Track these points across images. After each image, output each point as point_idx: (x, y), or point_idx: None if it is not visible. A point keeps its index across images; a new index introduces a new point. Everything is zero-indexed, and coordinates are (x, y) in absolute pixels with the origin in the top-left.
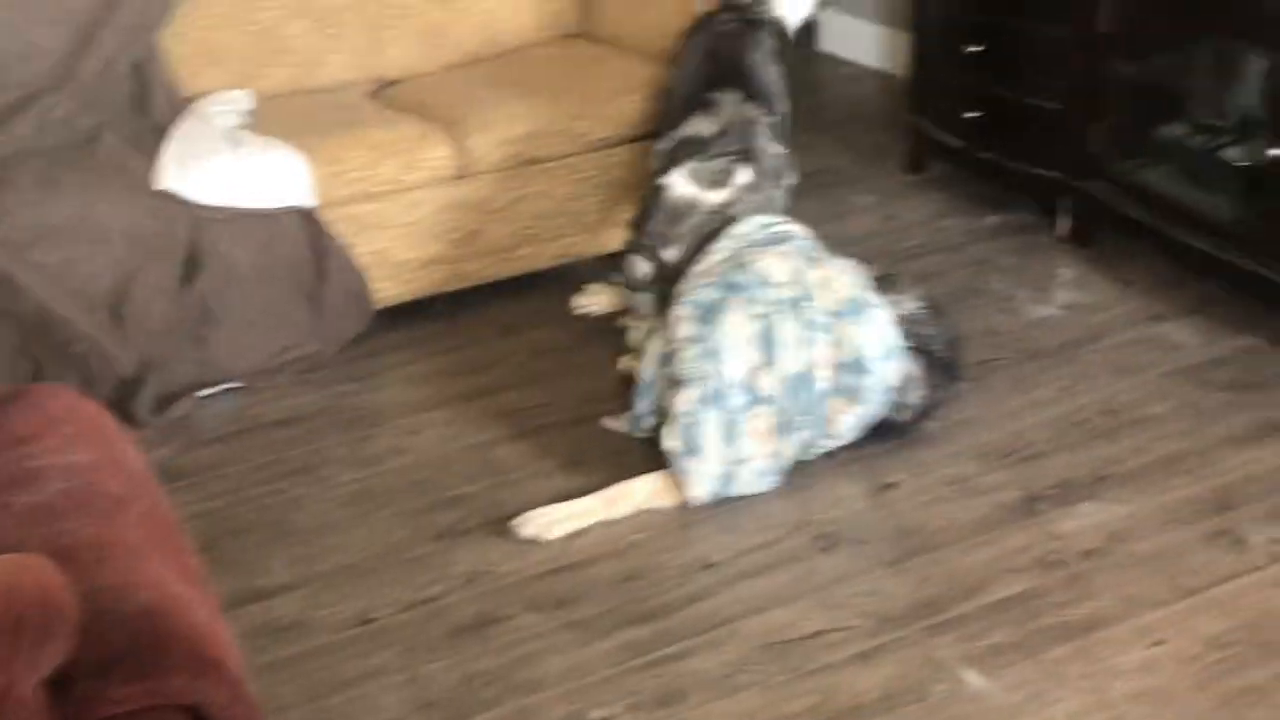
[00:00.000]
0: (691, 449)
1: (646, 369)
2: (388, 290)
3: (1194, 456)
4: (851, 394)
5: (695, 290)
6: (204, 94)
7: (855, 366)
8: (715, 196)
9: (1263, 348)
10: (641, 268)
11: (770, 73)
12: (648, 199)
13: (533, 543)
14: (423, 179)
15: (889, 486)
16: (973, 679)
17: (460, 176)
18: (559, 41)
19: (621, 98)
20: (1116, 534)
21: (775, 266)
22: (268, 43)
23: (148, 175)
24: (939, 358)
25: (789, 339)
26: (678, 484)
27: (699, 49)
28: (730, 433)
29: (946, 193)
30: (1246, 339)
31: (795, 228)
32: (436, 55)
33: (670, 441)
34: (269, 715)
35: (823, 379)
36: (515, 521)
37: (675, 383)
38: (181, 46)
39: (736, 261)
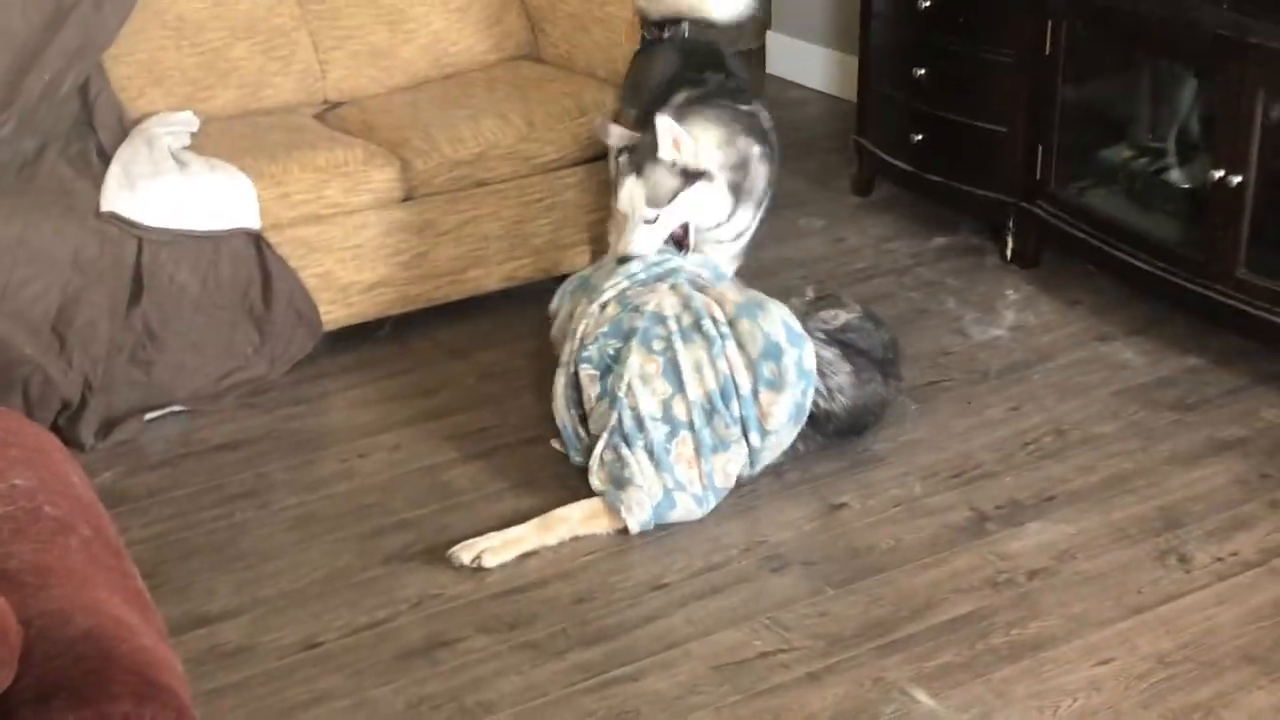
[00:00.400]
0: (620, 484)
1: (558, 410)
2: (334, 313)
3: (1140, 476)
4: (773, 384)
5: (593, 345)
6: (149, 115)
7: (767, 353)
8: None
9: (1208, 367)
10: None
11: (742, 71)
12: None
13: (471, 570)
14: (369, 201)
15: (838, 507)
16: (922, 699)
17: (407, 198)
18: (507, 63)
19: (570, 120)
20: (1064, 553)
21: (666, 301)
22: (214, 64)
23: (92, 197)
24: (876, 359)
25: (691, 364)
26: (613, 512)
27: (670, 50)
28: (660, 463)
29: (894, 214)
30: (1192, 359)
31: (680, 260)
32: (384, 77)
33: (597, 484)
34: None
35: (743, 382)
36: (451, 551)
37: (595, 435)
38: (126, 67)
39: (629, 307)
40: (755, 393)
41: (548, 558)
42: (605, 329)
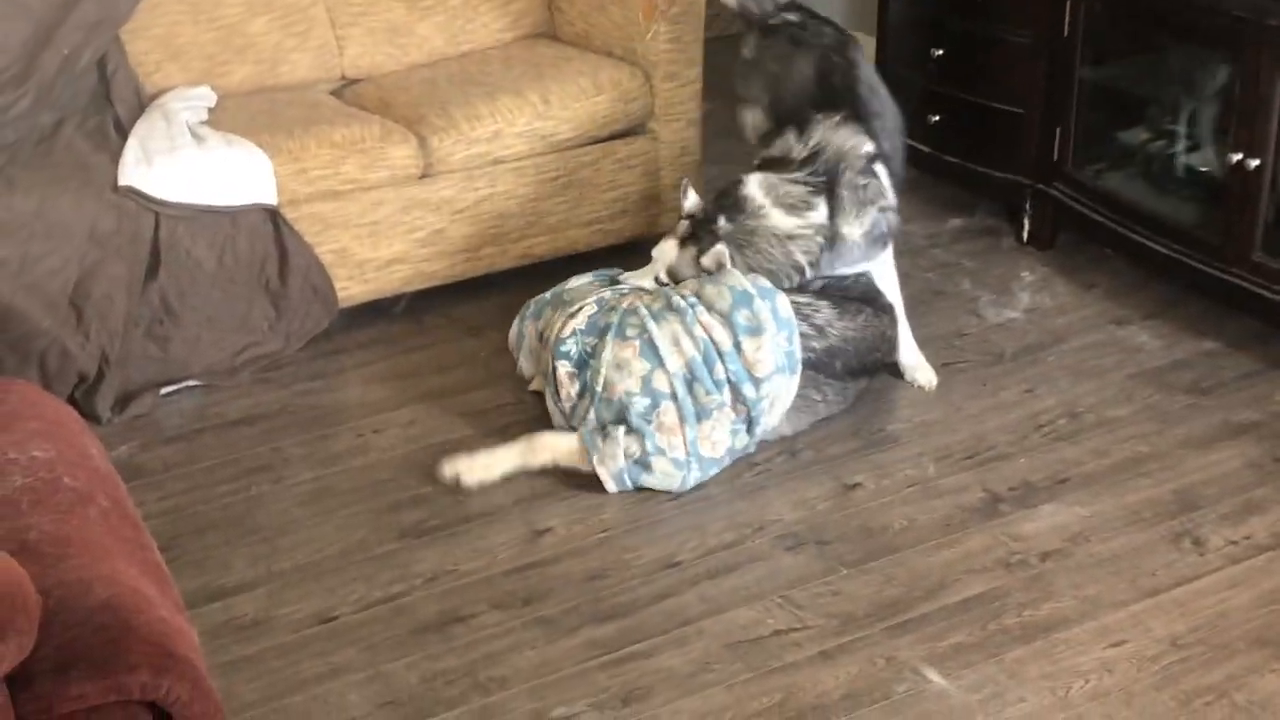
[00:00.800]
0: (598, 449)
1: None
2: (350, 289)
3: (1155, 459)
4: (752, 330)
5: (570, 340)
6: (166, 90)
7: (738, 302)
8: (784, 221)
9: (1224, 351)
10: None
11: (882, 94)
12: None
13: (460, 488)
14: (386, 178)
15: (852, 487)
16: (934, 678)
17: (424, 176)
18: (524, 41)
19: (586, 99)
20: (1077, 535)
21: (638, 301)
22: (230, 39)
23: (109, 171)
24: (855, 295)
25: (669, 337)
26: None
27: (807, 59)
28: (639, 432)
29: (910, 196)
30: (1208, 342)
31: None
32: (400, 54)
33: (584, 428)
34: (230, 713)
35: (723, 339)
36: (441, 464)
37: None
38: (143, 42)
39: (605, 308)
40: (737, 345)
41: (562, 535)
42: (582, 326)
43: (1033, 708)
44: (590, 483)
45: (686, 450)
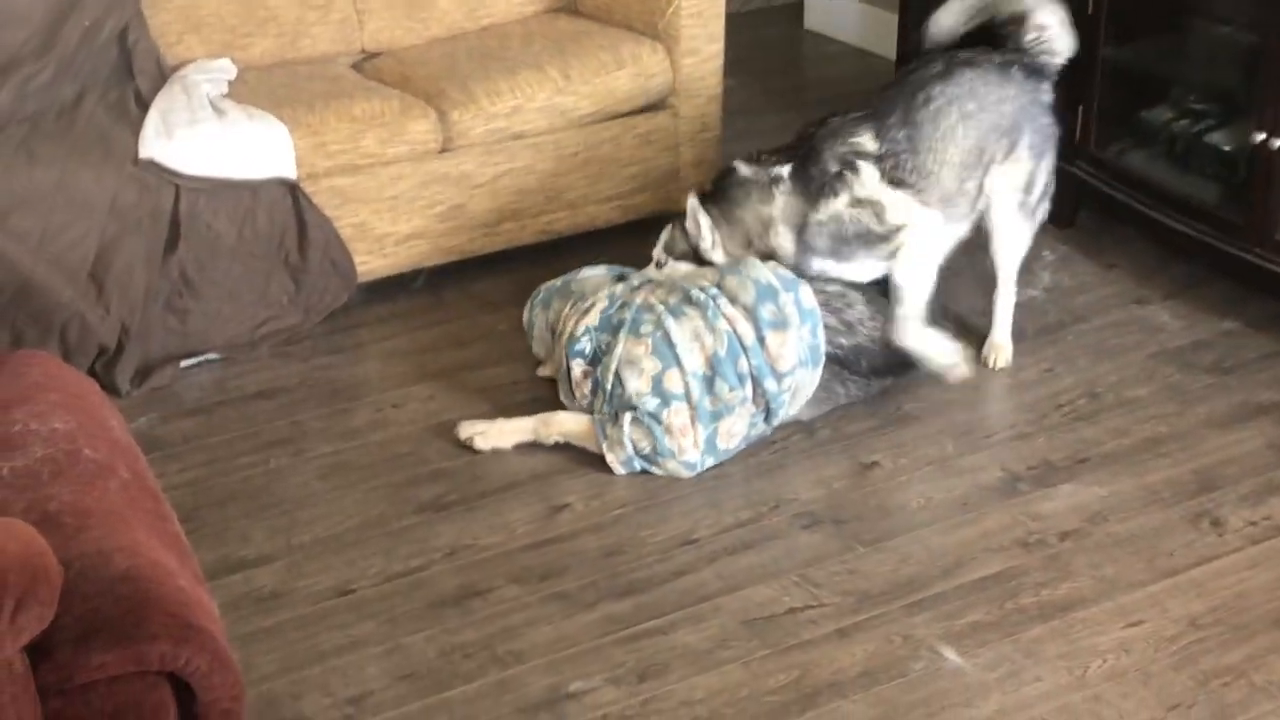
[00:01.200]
0: (606, 437)
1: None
2: (369, 264)
3: (1175, 439)
4: (776, 324)
5: (584, 338)
6: (187, 62)
7: (763, 296)
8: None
9: (1245, 331)
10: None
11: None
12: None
13: (472, 451)
14: (405, 152)
15: (870, 466)
16: (950, 656)
17: (443, 150)
18: (544, 16)
19: (606, 74)
20: (1096, 515)
21: (652, 295)
22: (252, 11)
23: (130, 144)
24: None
25: (688, 334)
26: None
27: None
28: (649, 429)
29: None
30: (1229, 322)
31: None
32: (421, 28)
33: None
34: (249, 684)
35: (746, 333)
36: (459, 424)
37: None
38: (164, 14)
39: (618, 303)
40: (761, 339)
41: (579, 511)
42: (595, 323)
43: (1049, 687)
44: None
45: (699, 447)
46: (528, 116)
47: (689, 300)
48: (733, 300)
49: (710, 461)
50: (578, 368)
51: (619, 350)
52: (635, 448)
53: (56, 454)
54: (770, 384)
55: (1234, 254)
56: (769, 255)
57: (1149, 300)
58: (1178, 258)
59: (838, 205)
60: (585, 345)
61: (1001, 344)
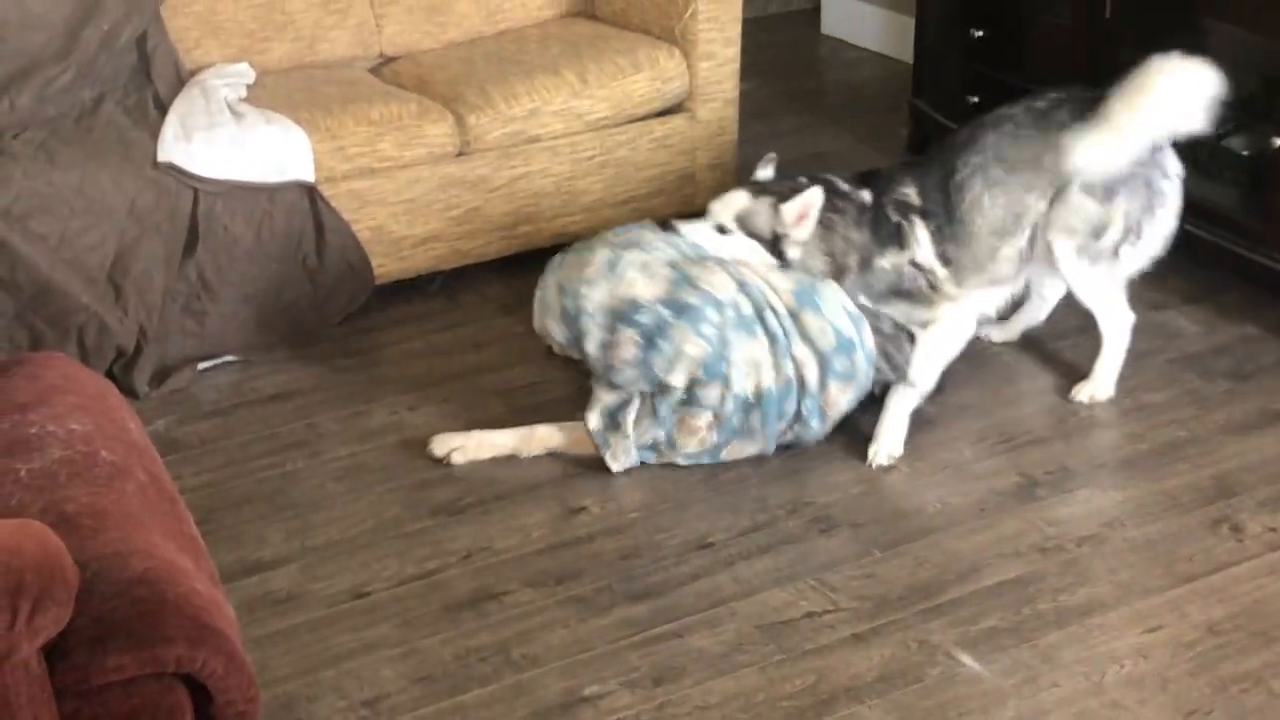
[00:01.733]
0: (611, 426)
1: (549, 323)
2: (386, 267)
3: (1193, 444)
4: (845, 376)
5: (645, 312)
6: (205, 67)
7: (841, 349)
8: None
9: (1264, 337)
10: None
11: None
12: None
13: (451, 463)
14: (423, 155)
15: (887, 470)
16: (967, 662)
17: (460, 154)
18: (561, 20)
19: (624, 77)
20: (1114, 520)
21: (718, 280)
22: (270, 16)
23: (149, 147)
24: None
25: (746, 359)
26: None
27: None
28: (660, 420)
29: None
30: (1248, 328)
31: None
32: (438, 32)
33: (593, 422)
34: (264, 686)
35: (811, 377)
36: (432, 441)
37: (611, 385)
38: (183, 19)
39: (684, 280)
40: (823, 384)
41: (595, 514)
42: (661, 295)
43: (1066, 692)
44: None
45: (703, 446)
46: (544, 120)
47: (761, 319)
48: (805, 337)
49: (705, 460)
50: (627, 333)
51: (672, 340)
52: (638, 443)
53: (74, 456)
54: (815, 423)
55: (1253, 259)
56: (837, 276)
57: (1167, 305)
58: (1196, 262)
59: (901, 259)
60: (646, 319)
61: (1100, 380)
